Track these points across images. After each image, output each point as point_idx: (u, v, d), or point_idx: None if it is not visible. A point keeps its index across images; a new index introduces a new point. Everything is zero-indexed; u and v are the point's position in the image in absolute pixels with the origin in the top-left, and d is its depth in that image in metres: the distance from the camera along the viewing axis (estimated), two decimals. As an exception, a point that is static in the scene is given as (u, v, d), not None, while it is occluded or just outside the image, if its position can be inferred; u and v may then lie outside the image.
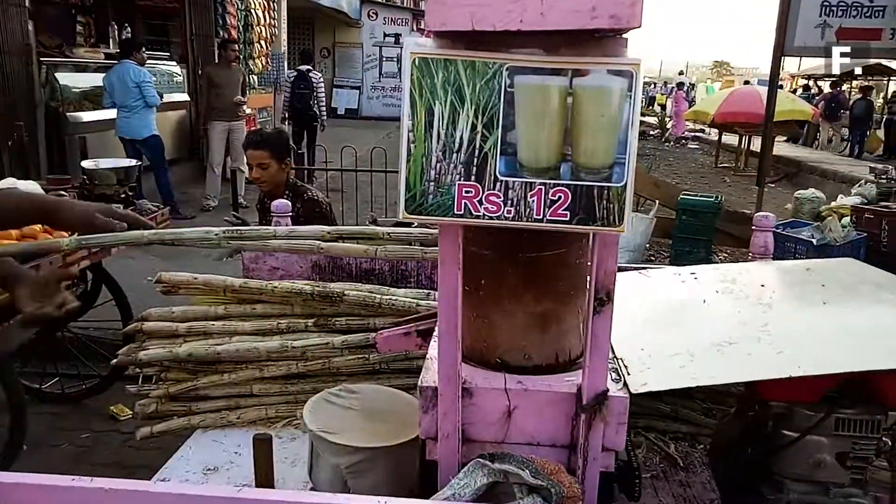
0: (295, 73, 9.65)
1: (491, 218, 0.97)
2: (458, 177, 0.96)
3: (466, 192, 0.97)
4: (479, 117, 0.94)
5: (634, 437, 1.82)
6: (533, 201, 0.96)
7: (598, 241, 1.01)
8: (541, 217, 0.97)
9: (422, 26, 20.25)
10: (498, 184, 0.96)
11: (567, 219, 0.96)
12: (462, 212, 0.98)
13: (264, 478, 1.50)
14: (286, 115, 9.80)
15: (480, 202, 0.97)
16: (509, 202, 0.97)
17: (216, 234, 1.63)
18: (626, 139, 0.93)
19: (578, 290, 1.18)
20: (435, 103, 0.94)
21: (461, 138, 0.95)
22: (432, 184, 0.97)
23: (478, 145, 0.95)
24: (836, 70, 7.61)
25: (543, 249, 1.12)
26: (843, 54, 5.23)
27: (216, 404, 1.94)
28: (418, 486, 1.33)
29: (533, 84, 0.92)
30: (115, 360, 1.95)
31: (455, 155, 0.96)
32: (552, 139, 0.94)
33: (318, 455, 1.37)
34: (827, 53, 5.22)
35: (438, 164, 0.96)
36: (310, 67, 9.76)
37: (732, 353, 1.16)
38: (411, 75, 0.93)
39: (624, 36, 0.94)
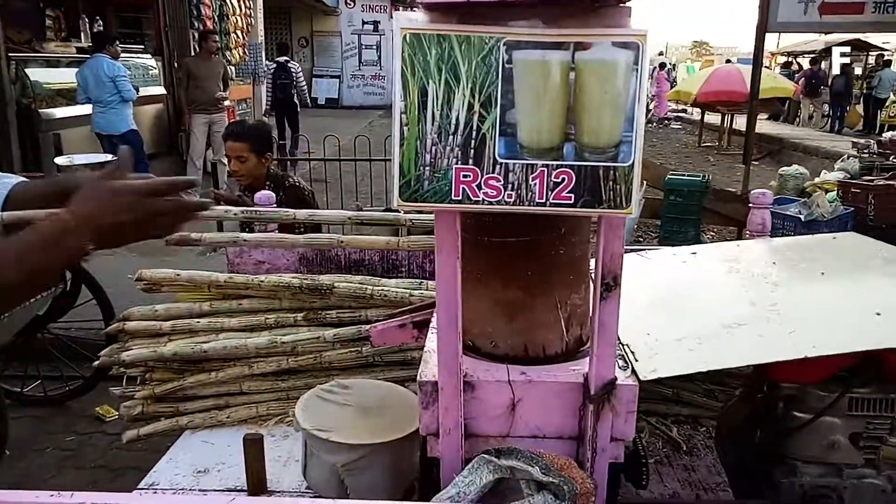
0: (274, 66, 10.10)
1: (491, 203, 0.92)
2: (454, 160, 0.91)
3: (464, 176, 0.91)
4: (476, 96, 0.88)
5: (637, 422, 1.79)
6: (535, 184, 0.91)
7: (603, 224, 0.96)
8: (543, 201, 0.91)
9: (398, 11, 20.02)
10: (497, 167, 0.91)
11: (571, 202, 0.91)
12: (460, 197, 0.92)
13: (256, 480, 1.45)
14: (269, 106, 10.38)
15: (479, 187, 0.91)
16: (510, 186, 0.91)
17: (234, 214, 1.72)
18: (632, 116, 0.87)
19: (580, 276, 1.13)
20: (428, 82, 0.88)
21: (457, 119, 0.89)
22: (428, 168, 0.91)
23: (475, 126, 0.89)
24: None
25: (544, 233, 1.07)
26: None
27: (204, 404, 1.88)
28: (419, 484, 1.28)
29: (532, 59, 0.87)
30: (97, 362, 1.88)
31: (451, 137, 0.90)
32: (554, 118, 0.88)
33: (312, 454, 1.32)
34: (811, 29, 5.18)
35: (434, 148, 0.90)
36: (288, 58, 10.19)
37: (742, 334, 1.12)
38: (402, 53, 0.87)
39: (627, 4, 0.89)
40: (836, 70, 17.22)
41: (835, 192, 6.00)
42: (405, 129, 0.90)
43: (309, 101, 10.97)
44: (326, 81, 20.04)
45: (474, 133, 0.90)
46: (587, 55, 0.86)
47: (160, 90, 8.97)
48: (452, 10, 0.88)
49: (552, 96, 0.87)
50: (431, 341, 1.20)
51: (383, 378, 1.78)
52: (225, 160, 9.01)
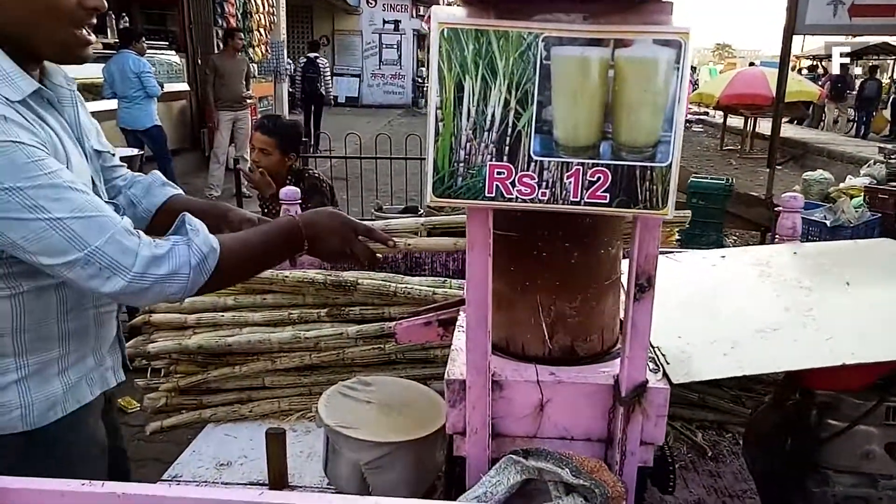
0: (305, 60, 11.65)
1: (524, 201, 0.91)
2: (489, 157, 0.90)
3: (498, 173, 0.90)
4: (513, 92, 0.87)
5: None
6: (570, 182, 0.90)
7: (639, 225, 0.94)
8: (578, 199, 0.90)
9: (420, 13, 20.06)
10: (532, 164, 0.89)
11: (606, 201, 0.90)
12: (493, 194, 0.91)
13: (278, 474, 1.46)
14: (297, 98, 12.12)
15: (513, 184, 0.90)
16: (544, 183, 0.90)
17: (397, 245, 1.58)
18: (672, 116, 0.86)
19: (614, 277, 1.11)
20: (465, 78, 0.87)
21: (493, 115, 0.88)
22: (462, 165, 0.90)
23: (511, 123, 0.89)
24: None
25: (579, 234, 1.06)
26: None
27: (227, 397, 1.89)
28: (444, 483, 1.28)
29: (571, 56, 0.85)
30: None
31: (486, 133, 0.89)
32: (592, 116, 0.87)
33: (334, 450, 1.32)
34: (841, 31, 5.08)
35: (468, 144, 0.90)
36: (318, 55, 11.82)
37: (777, 339, 1.10)
38: (439, 47, 0.86)
39: (669, 0, 0.87)
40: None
41: (861, 198, 5.90)
42: (440, 124, 0.89)
43: (333, 98, 12.58)
44: (347, 80, 20.13)
45: (510, 130, 0.89)
46: (627, 52, 0.85)
47: (184, 86, 9.08)
48: (491, 5, 0.87)
49: (590, 94, 0.86)
50: (459, 339, 1.19)
51: (406, 375, 1.77)
52: (248, 156, 9.07)
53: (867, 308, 1.14)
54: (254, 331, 1.88)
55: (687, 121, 19.01)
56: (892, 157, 9.14)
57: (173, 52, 9.03)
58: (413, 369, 1.86)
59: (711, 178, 5.90)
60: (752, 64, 20.75)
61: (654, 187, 0.88)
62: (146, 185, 1.45)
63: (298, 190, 2.18)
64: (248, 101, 8.16)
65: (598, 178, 0.89)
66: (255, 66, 10.69)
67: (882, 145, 10.75)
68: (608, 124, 0.87)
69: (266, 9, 11.12)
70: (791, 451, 1.24)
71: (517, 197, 0.91)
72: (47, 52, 1.14)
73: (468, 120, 0.89)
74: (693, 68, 27.40)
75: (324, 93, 11.63)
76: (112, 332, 1.35)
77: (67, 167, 1.11)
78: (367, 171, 6.06)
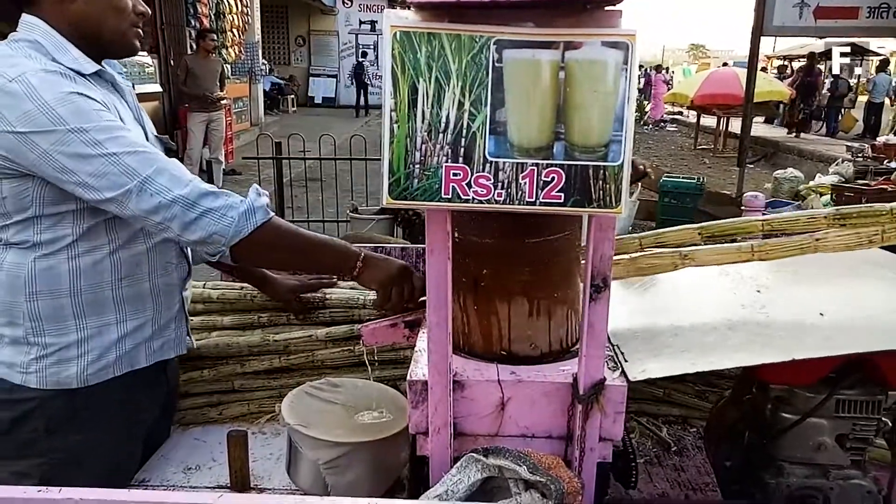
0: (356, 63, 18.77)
1: (480, 202, 0.92)
2: (444, 158, 0.91)
3: (454, 174, 0.91)
4: (467, 95, 0.89)
5: (627, 422, 1.79)
6: (525, 183, 0.91)
7: (593, 225, 0.96)
8: (533, 199, 0.92)
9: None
10: (487, 165, 0.91)
11: (561, 201, 0.91)
12: (450, 195, 0.92)
13: (240, 477, 1.45)
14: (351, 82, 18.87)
15: (469, 185, 0.92)
16: (500, 184, 0.91)
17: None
18: (622, 116, 0.88)
19: (572, 277, 1.13)
20: (419, 80, 0.88)
21: (447, 117, 0.90)
22: (417, 166, 0.91)
23: (465, 124, 0.90)
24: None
25: (537, 235, 1.07)
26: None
27: (196, 401, 1.88)
28: (409, 483, 1.28)
29: (523, 58, 0.87)
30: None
31: (441, 135, 0.90)
32: (544, 117, 0.89)
33: (296, 451, 1.32)
34: (806, 33, 5.20)
35: (423, 146, 0.91)
36: (363, 60, 19.29)
37: (732, 336, 1.13)
38: (392, 50, 0.87)
39: (618, 7, 0.89)
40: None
41: (829, 196, 6.03)
42: (395, 126, 0.90)
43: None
44: (323, 81, 20.05)
45: (464, 131, 0.90)
46: (577, 55, 0.86)
47: (156, 88, 8.97)
48: (443, 8, 0.88)
49: (542, 95, 0.88)
50: (422, 341, 1.20)
51: (376, 377, 1.78)
52: (222, 158, 9.06)
53: (819, 305, 1.18)
54: (222, 334, 1.87)
55: (661, 120, 19.28)
56: (859, 155, 9.36)
57: (145, 54, 8.92)
58: (384, 370, 1.86)
59: (683, 178, 5.99)
60: (724, 64, 21.07)
61: (608, 186, 0.90)
62: None
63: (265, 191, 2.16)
64: (222, 102, 8.08)
65: (553, 179, 0.91)
66: (230, 67, 10.62)
67: (850, 144, 10.99)
68: (560, 125, 0.89)
69: (239, 9, 11.05)
70: (748, 444, 1.27)
71: (473, 198, 0.92)
72: (109, 43, 1.33)
73: (423, 122, 0.90)
74: (666, 69, 27.76)
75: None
76: (174, 305, 1.48)
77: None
78: (342, 171, 6.05)
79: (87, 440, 1.35)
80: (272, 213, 1.30)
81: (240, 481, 1.43)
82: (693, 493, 1.52)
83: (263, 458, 1.66)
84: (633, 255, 1.31)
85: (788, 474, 1.19)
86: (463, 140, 0.90)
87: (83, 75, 1.27)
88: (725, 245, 1.26)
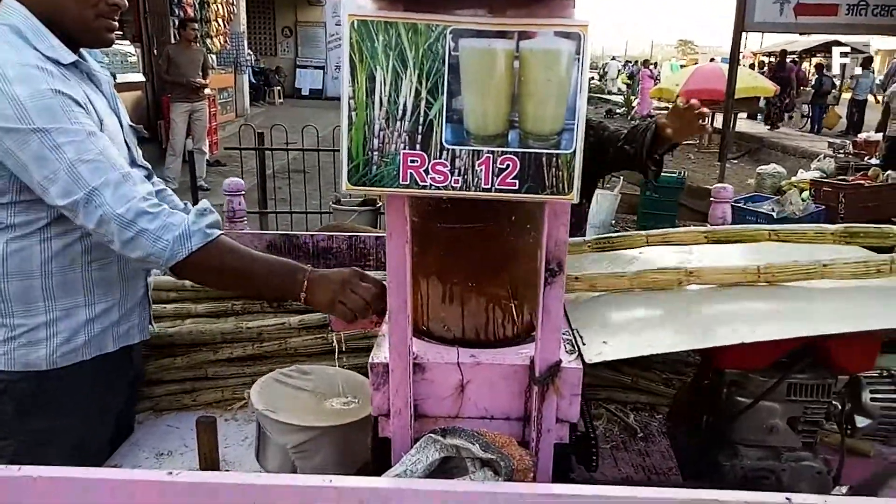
0: None
1: (438, 188, 0.94)
2: (402, 145, 0.93)
3: (412, 161, 0.93)
4: (423, 83, 0.90)
5: (595, 408, 1.83)
6: (481, 170, 0.93)
7: (548, 211, 0.98)
8: (489, 186, 0.94)
9: None
10: (444, 152, 0.93)
11: (516, 187, 0.94)
12: (408, 182, 0.94)
13: (209, 462, 1.47)
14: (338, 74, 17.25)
15: (427, 172, 0.94)
16: (456, 171, 0.93)
17: (588, 245, 1.50)
18: (574, 105, 0.90)
19: (532, 262, 1.15)
20: (376, 68, 0.90)
21: (405, 105, 0.91)
22: (376, 153, 0.93)
23: (422, 112, 0.92)
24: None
25: (494, 219, 1.09)
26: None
27: (170, 388, 1.89)
28: (372, 465, 1.31)
29: (478, 47, 0.89)
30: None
31: (399, 123, 0.92)
32: (499, 105, 0.91)
33: (265, 436, 1.34)
34: (787, 29, 5.26)
35: (381, 133, 0.92)
36: None
37: (688, 321, 1.16)
38: (350, 39, 0.89)
39: (570, -4, 0.91)
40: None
41: (808, 191, 6.11)
42: (353, 113, 0.92)
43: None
44: (310, 72, 19.91)
45: (422, 119, 0.92)
46: (531, 44, 0.88)
47: (139, 77, 8.89)
48: (400, -2, 0.90)
49: (497, 84, 0.90)
50: (385, 326, 1.22)
51: (349, 364, 1.80)
52: (205, 148, 8.98)
53: (772, 292, 1.21)
54: (196, 322, 1.88)
55: (648, 115, 19.33)
56: (841, 151, 9.47)
57: (128, 43, 8.83)
58: (356, 358, 1.88)
59: (665, 172, 6.04)
60: (712, 60, 21.19)
61: (560, 173, 0.93)
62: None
63: (242, 182, 2.17)
64: (206, 91, 8.03)
65: (508, 166, 0.93)
66: (215, 56, 10.54)
67: (832, 140, 11.12)
68: (515, 113, 0.91)
69: (225, -1, 10.95)
70: (706, 427, 1.31)
71: (431, 185, 0.94)
72: (77, 33, 1.32)
73: (381, 109, 0.92)
74: (654, 64, 27.87)
75: None
76: (139, 290, 1.51)
77: (101, 129, 1.29)
78: (326, 163, 6.04)
79: (56, 422, 1.37)
80: (214, 235, 1.28)
81: (209, 466, 1.44)
82: (656, 477, 1.56)
83: (236, 444, 1.68)
84: (638, 269, 1.28)
85: (742, 456, 1.23)
86: (420, 127, 0.92)
87: (60, 64, 1.26)
88: (731, 265, 1.24)
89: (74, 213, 1.22)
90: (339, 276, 1.29)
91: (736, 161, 12.65)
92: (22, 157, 1.18)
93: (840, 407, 1.23)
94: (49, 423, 1.36)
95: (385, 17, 0.88)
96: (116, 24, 1.38)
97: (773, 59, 20.15)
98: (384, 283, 1.31)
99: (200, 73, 7.81)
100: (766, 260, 1.23)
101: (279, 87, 17.96)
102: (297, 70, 19.81)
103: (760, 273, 1.21)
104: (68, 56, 1.29)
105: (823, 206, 5.55)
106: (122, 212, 1.21)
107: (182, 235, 1.25)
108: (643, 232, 1.44)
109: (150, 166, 1.66)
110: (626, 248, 1.47)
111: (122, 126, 1.45)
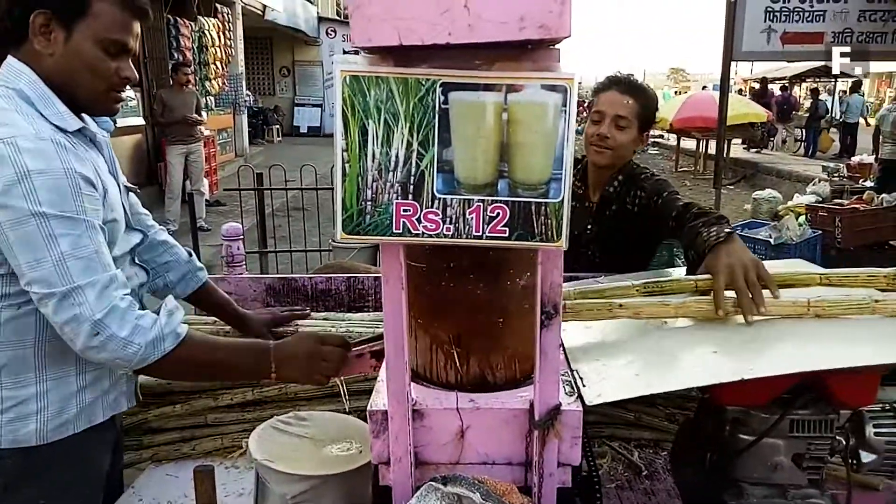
0: None
1: (430, 236, 0.95)
2: (395, 195, 0.94)
3: (404, 210, 0.95)
4: (415, 135, 0.92)
5: (599, 446, 1.81)
6: (472, 218, 0.94)
7: (541, 256, 0.99)
8: (480, 234, 0.95)
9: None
10: (436, 202, 0.94)
11: (506, 235, 0.95)
12: (401, 230, 0.95)
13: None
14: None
15: (419, 220, 0.95)
16: (448, 220, 0.95)
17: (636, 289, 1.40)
18: (561, 155, 0.92)
19: (526, 305, 1.16)
20: (368, 122, 0.92)
21: (397, 157, 0.93)
22: (369, 203, 0.95)
23: (414, 163, 0.93)
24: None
25: (486, 267, 1.10)
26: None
27: (169, 436, 1.88)
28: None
29: (468, 100, 0.91)
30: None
31: (391, 174, 0.94)
32: (489, 155, 0.92)
33: (263, 486, 1.33)
34: (775, 58, 5.32)
35: (374, 184, 0.94)
36: None
37: (687, 359, 1.16)
38: (342, 94, 0.91)
39: (556, 47, 0.94)
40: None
41: (804, 216, 6.13)
42: (347, 165, 0.93)
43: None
44: (308, 110, 20.19)
45: (413, 170, 0.93)
46: (518, 97, 0.90)
47: (139, 121, 9.01)
48: (389, 52, 0.92)
49: (486, 135, 0.91)
50: (383, 371, 1.22)
51: (350, 407, 1.79)
52: (204, 189, 9.05)
53: (770, 327, 1.21)
54: (195, 368, 1.87)
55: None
56: (835, 175, 9.54)
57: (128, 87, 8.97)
58: (357, 401, 1.87)
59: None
60: (703, 88, 21.46)
61: (549, 221, 0.94)
62: (182, 273, 1.66)
63: (240, 226, 2.18)
64: (203, 132, 8.13)
65: (498, 214, 0.94)
66: (213, 98, 10.70)
67: (826, 164, 11.20)
68: (504, 163, 0.93)
69: (222, 42, 11.17)
70: (709, 465, 1.29)
71: (423, 233, 0.95)
72: (86, 102, 1.32)
73: (373, 161, 0.93)
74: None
75: None
76: None
77: (105, 197, 1.29)
78: (325, 200, 6.08)
79: (45, 496, 1.32)
80: (183, 335, 1.28)
81: (207, 517, 1.43)
82: (662, 516, 1.54)
83: (235, 494, 1.66)
84: (685, 297, 1.29)
85: (748, 495, 1.22)
86: (412, 178, 0.94)
87: (66, 132, 1.25)
88: (783, 299, 1.26)
89: (43, 303, 1.17)
90: (303, 350, 1.34)
91: (732, 187, 12.73)
92: (10, 235, 1.15)
93: (844, 442, 1.22)
94: (38, 495, 1.31)
95: (376, 72, 0.91)
96: (124, 95, 1.38)
97: (761, 85, 20.44)
98: (345, 338, 1.40)
99: (194, 115, 7.93)
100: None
101: (277, 126, 18.18)
102: (296, 108, 20.08)
103: (810, 306, 1.23)
104: (74, 123, 1.28)
105: (820, 231, 5.57)
106: (100, 317, 1.17)
107: (157, 339, 1.23)
108: (692, 277, 1.41)
109: (148, 212, 1.68)
110: (674, 294, 1.37)
111: (119, 189, 1.44)
